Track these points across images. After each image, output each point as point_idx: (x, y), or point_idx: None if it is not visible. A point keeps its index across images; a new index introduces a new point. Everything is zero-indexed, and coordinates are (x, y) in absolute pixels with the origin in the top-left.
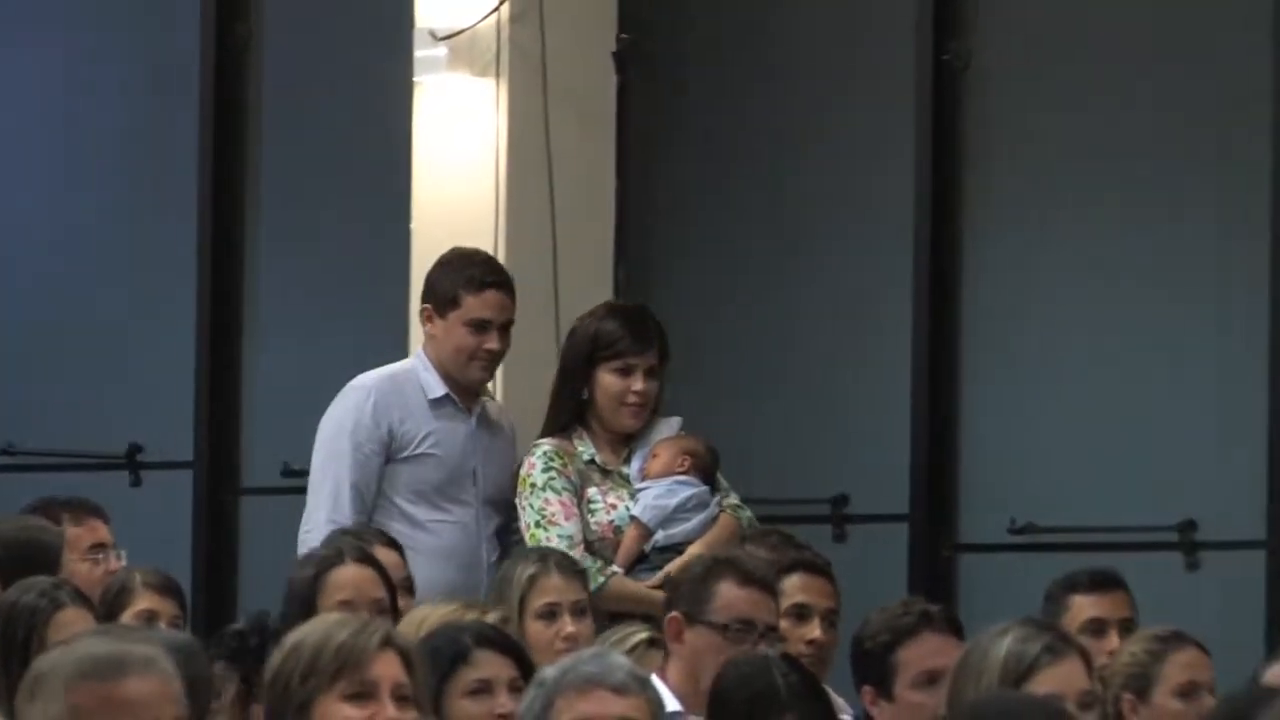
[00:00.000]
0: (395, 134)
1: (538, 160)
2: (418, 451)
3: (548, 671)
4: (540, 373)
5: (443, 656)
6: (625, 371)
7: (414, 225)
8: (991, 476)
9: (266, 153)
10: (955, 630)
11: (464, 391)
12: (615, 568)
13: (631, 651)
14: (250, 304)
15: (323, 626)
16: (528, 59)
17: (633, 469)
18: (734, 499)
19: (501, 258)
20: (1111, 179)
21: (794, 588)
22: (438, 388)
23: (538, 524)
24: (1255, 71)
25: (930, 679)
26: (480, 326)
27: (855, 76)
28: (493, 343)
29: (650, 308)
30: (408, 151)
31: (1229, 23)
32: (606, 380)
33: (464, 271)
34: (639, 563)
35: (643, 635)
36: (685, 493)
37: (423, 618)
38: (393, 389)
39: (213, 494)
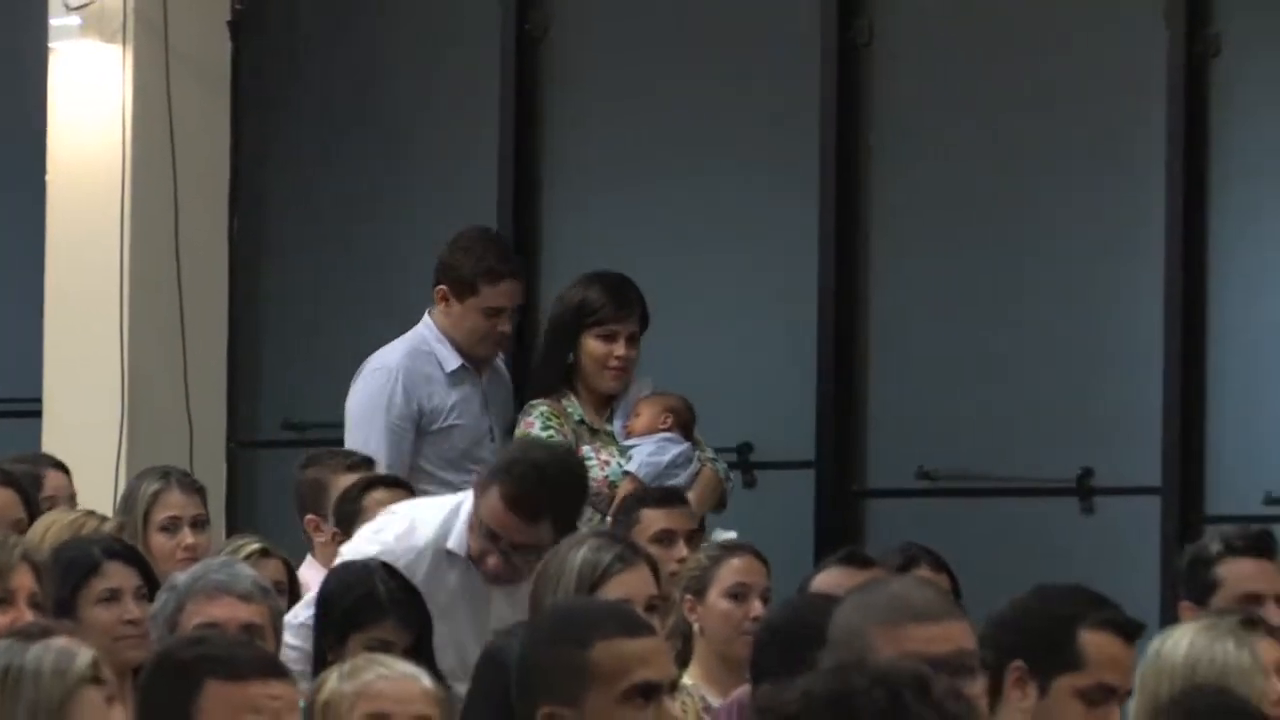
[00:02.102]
0: (32, 98)
1: (160, 120)
2: (446, 424)
3: (179, 578)
4: (162, 308)
5: (76, 568)
6: (609, 338)
7: (50, 179)
8: None
9: None
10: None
11: (476, 359)
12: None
13: (246, 560)
14: None
15: None
16: (151, 28)
17: (616, 427)
18: (709, 452)
19: (128, 211)
20: None
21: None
22: (453, 359)
23: None
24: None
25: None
26: (495, 313)
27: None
28: (505, 325)
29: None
30: (43, 114)
31: None
32: (591, 345)
33: (483, 261)
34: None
35: (255, 546)
36: (674, 450)
37: (47, 526)
38: (415, 367)
39: None
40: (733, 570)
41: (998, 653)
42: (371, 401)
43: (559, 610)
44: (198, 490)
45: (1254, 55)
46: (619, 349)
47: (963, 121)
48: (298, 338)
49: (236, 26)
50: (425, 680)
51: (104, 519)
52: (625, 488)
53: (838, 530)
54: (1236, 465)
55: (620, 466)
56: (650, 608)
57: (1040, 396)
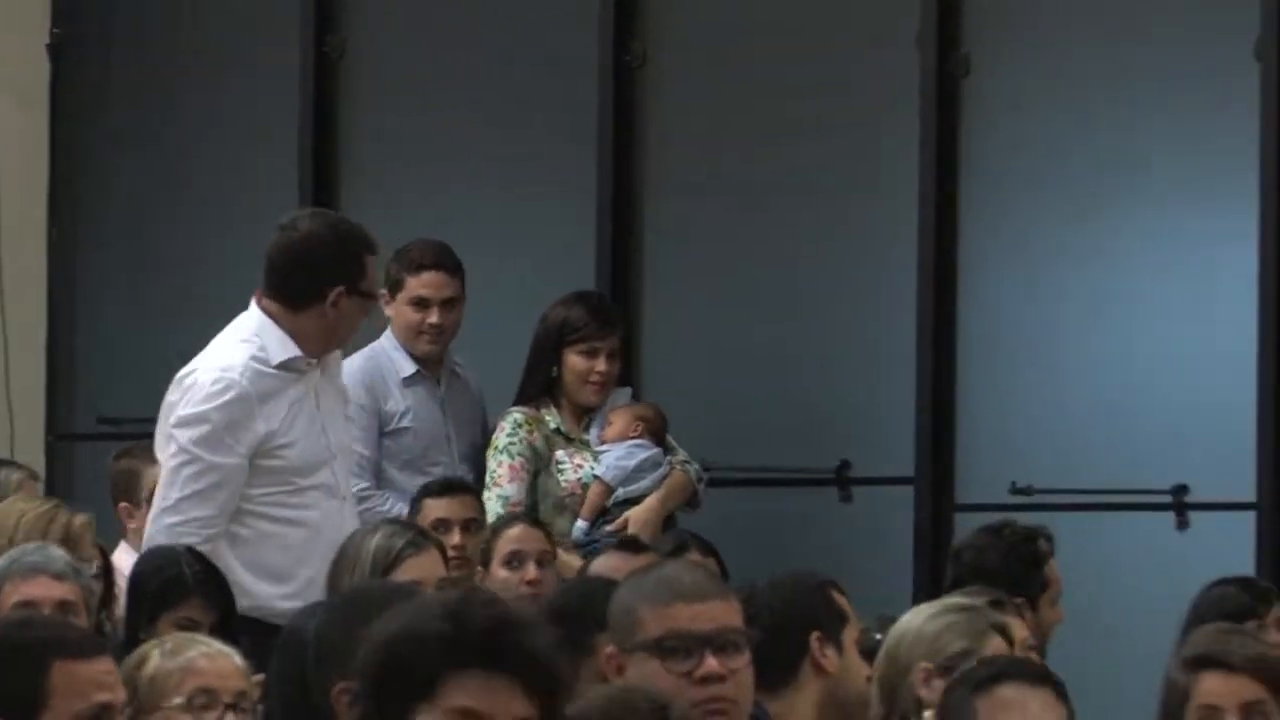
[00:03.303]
0: None
1: None
2: (398, 426)
3: None
4: None
5: None
6: (590, 354)
7: None
8: None
9: None
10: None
11: (432, 364)
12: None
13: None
14: None
15: None
16: None
17: (592, 435)
18: (682, 455)
19: None
20: None
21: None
22: (408, 365)
23: (487, 484)
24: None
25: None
26: (421, 304)
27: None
28: (434, 317)
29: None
30: None
31: None
32: (573, 361)
33: (406, 256)
34: (600, 515)
35: (82, 518)
36: (642, 455)
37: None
38: (373, 368)
39: None
40: (508, 540)
41: (787, 626)
42: None
43: (354, 592)
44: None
45: (1001, 74)
46: (599, 364)
47: (732, 138)
48: (113, 336)
49: (55, 50)
50: (237, 658)
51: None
52: (594, 490)
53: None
54: (985, 457)
55: (592, 470)
56: (439, 589)
57: (802, 392)
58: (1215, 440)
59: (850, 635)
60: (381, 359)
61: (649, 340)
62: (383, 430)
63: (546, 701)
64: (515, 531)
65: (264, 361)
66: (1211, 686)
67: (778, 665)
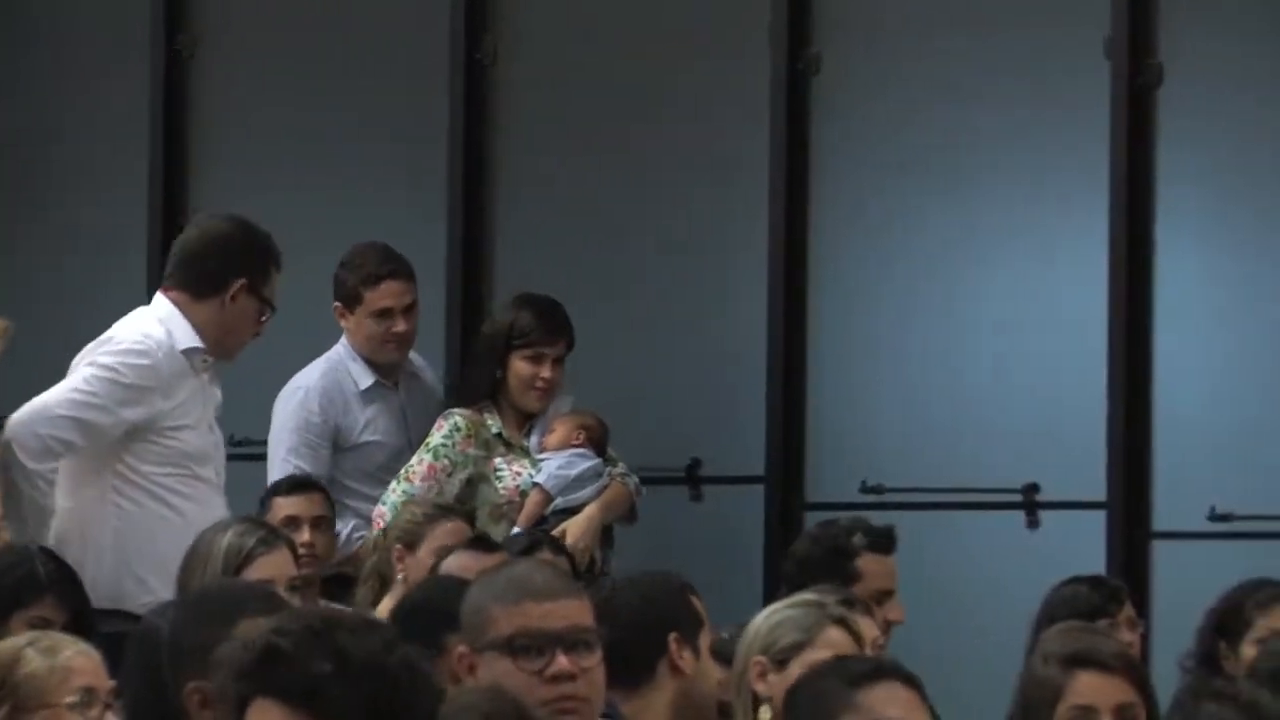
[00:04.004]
0: None
1: None
2: (360, 440)
3: None
4: None
5: None
6: (536, 360)
7: None
8: None
9: None
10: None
11: (390, 370)
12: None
13: None
14: None
15: None
16: None
17: (532, 442)
18: (621, 468)
19: None
20: None
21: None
22: (366, 377)
23: (400, 476)
24: None
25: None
26: (384, 315)
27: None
28: (398, 325)
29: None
30: None
31: None
32: (518, 366)
33: (360, 269)
34: (538, 524)
35: None
36: (583, 465)
37: None
38: (331, 384)
39: None
40: (445, 533)
41: (647, 626)
42: (290, 419)
43: (206, 591)
44: None
45: (852, 72)
46: (544, 371)
47: (583, 135)
48: None
49: None
50: (96, 654)
51: None
52: (533, 498)
53: None
54: (836, 455)
55: (531, 478)
56: (292, 588)
57: (652, 389)
58: (1066, 439)
59: (705, 639)
60: (339, 373)
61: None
62: (343, 445)
63: None
64: (452, 525)
65: (174, 344)
66: (1088, 686)
67: (635, 665)
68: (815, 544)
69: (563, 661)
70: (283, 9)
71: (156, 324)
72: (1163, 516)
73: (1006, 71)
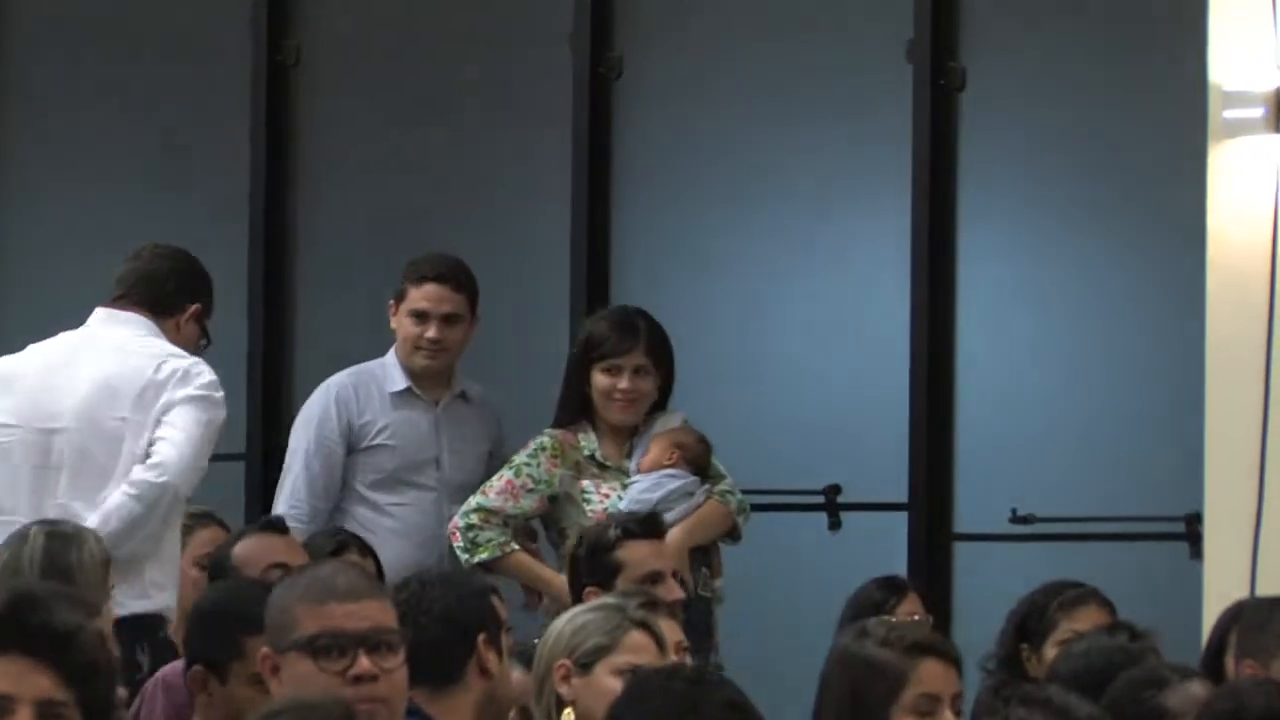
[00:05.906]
0: None
1: None
2: (374, 443)
3: None
4: None
5: None
6: (613, 371)
7: None
8: None
9: None
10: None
11: (430, 383)
12: (515, 545)
13: None
14: None
15: None
16: None
17: (632, 464)
18: (725, 485)
19: None
20: None
21: None
22: (400, 381)
23: (481, 489)
24: None
25: None
26: (420, 316)
27: None
28: (431, 331)
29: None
30: None
31: None
32: (598, 379)
33: (415, 269)
34: None
35: None
36: (670, 485)
37: None
38: (354, 384)
39: None
40: (203, 542)
41: (456, 627)
42: (307, 416)
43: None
44: None
45: (653, 76)
46: (622, 382)
47: (387, 138)
48: None
49: None
50: None
51: None
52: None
53: None
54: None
55: (619, 500)
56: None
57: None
58: (867, 440)
59: (506, 641)
60: (372, 372)
61: (302, 343)
62: (355, 446)
63: (81, 682)
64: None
65: None
66: (933, 674)
67: (443, 665)
68: (579, 546)
69: (364, 662)
70: (86, 10)
71: (166, 341)
72: (964, 518)
73: (810, 75)
